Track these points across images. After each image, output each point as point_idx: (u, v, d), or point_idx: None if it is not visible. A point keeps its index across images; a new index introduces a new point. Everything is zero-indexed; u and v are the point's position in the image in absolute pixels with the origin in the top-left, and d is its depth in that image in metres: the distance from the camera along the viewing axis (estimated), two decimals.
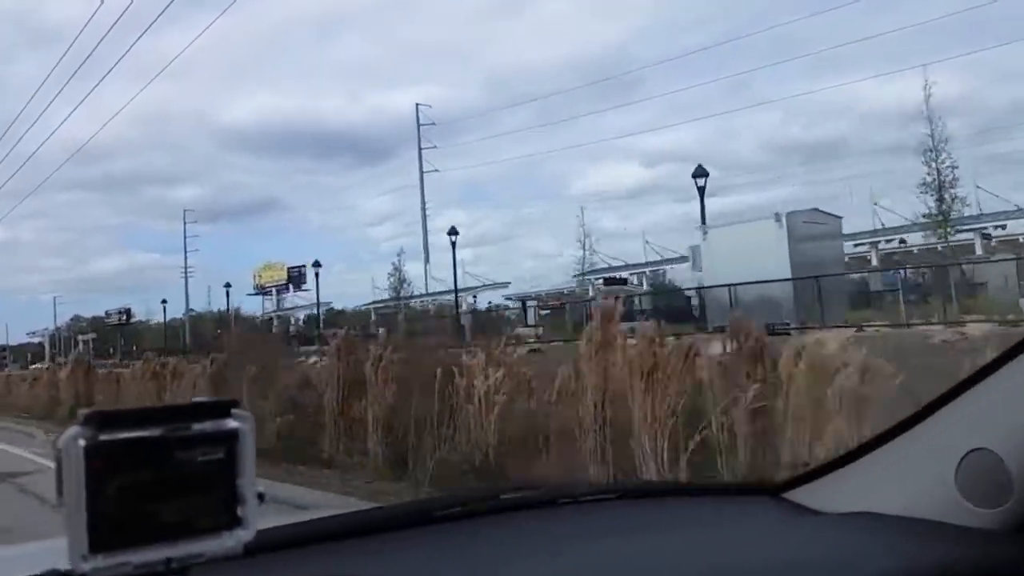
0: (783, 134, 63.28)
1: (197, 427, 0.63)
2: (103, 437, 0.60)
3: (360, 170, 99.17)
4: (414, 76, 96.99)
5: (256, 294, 65.74)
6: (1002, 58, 56.45)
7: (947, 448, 1.18)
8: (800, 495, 1.40)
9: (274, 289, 64.94)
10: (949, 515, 1.15)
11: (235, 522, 0.64)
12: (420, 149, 55.44)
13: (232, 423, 0.65)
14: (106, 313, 71.97)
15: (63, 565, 0.62)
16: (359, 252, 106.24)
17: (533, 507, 1.47)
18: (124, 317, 70.41)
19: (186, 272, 69.28)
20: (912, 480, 1.23)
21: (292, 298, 65.10)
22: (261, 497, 0.65)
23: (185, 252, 69.15)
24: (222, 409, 0.65)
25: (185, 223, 68.39)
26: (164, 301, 66.34)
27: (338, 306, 66.40)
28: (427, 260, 54.47)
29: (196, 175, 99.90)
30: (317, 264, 50.11)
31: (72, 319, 74.57)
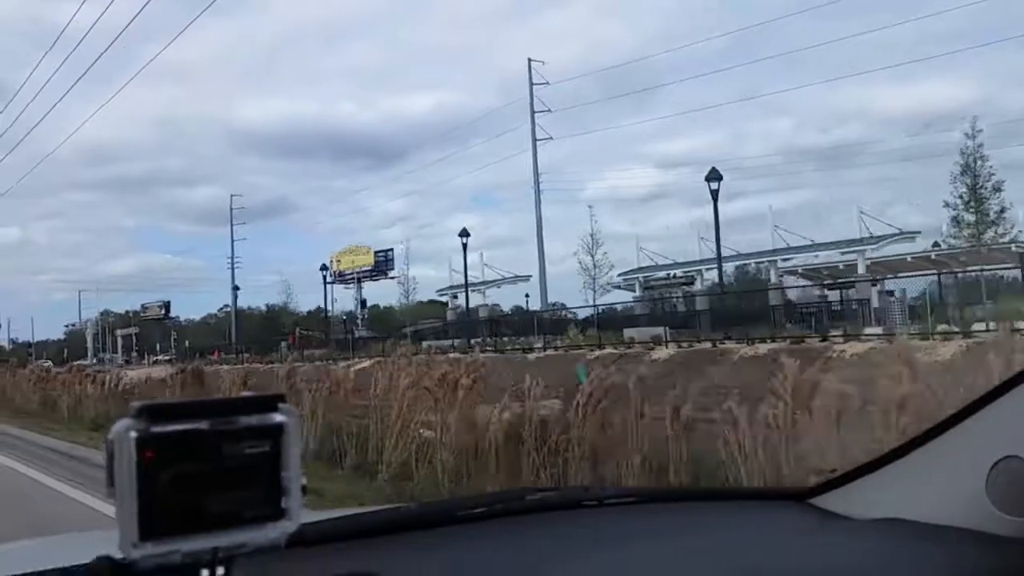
0: (797, 138, 63.01)
1: (244, 420, 0.65)
2: (154, 429, 0.62)
3: (372, 173, 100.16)
4: (426, 80, 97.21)
5: (333, 282, 58.32)
6: None
7: (977, 455, 1.17)
8: (828, 501, 1.40)
9: (356, 277, 57.82)
10: (979, 523, 1.14)
11: (279, 514, 0.66)
12: (532, 107, 46.20)
13: (278, 417, 0.66)
14: (142, 307, 68.90)
15: (114, 552, 0.63)
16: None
17: (558, 509, 1.48)
18: (164, 311, 66.69)
19: (232, 264, 64.55)
20: (942, 487, 1.23)
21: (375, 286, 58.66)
22: (304, 490, 0.67)
23: (232, 240, 64.25)
24: (269, 404, 0.66)
25: (232, 210, 64.15)
26: (236, 287, 61.14)
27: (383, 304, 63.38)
28: (541, 238, 45.52)
29: (211, 177, 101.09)
30: (465, 234, 39.43)
31: (102, 313, 72.38)
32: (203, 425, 0.64)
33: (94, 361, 54.16)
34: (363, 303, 57.76)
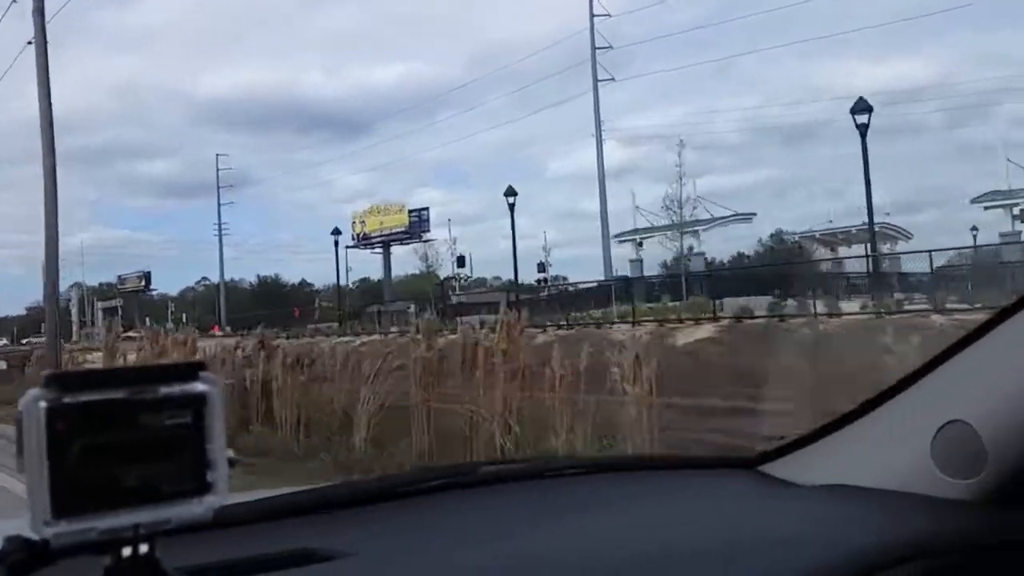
0: (763, 115, 63.68)
1: (164, 390, 0.61)
2: (66, 399, 0.58)
3: (336, 146, 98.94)
4: (396, 51, 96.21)
5: (355, 246, 51.20)
6: None
7: (923, 420, 1.18)
8: (777, 468, 1.41)
9: (382, 242, 50.24)
10: (925, 487, 1.16)
11: (205, 488, 0.62)
12: (594, 52, 41.17)
13: (200, 386, 0.63)
14: (119, 279, 63.02)
15: (26, 533, 0.60)
16: (329, 231, 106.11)
17: (510, 480, 1.47)
18: (143, 282, 61.68)
19: (220, 232, 59.67)
20: (889, 452, 1.24)
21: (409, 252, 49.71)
22: (232, 463, 0.64)
23: (219, 205, 59.61)
24: (190, 372, 0.63)
25: (218, 170, 59.52)
26: (345, 259, 52.40)
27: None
28: (604, 196, 41.14)
29: (170, 149, 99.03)
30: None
31: (72, 287, 65.60)
32: (119, 394, 0.60)
33: (78, 338, 48.76)
34: (461, 260, 46.77)
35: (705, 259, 39.14)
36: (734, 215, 39.60)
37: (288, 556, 0.99)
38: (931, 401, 1.20)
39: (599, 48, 41.96)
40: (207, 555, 0.91)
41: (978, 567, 1.07)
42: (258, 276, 69.09)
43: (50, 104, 13.60)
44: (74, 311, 59.97)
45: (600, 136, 41.64)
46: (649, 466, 1.74)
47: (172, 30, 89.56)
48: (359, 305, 47.46)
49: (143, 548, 0.62)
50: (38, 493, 0.57)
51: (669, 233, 36.85)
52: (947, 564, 1.05)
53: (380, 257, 51.87)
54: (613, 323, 21.18)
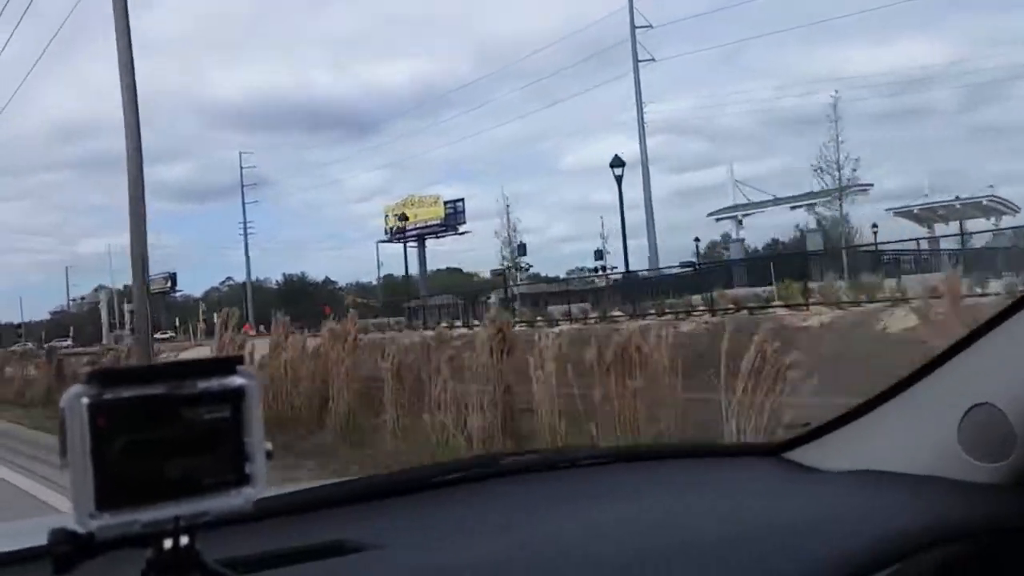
0: (774, 105, 62.98)
1: (202, 384, 0.62)
2: (107, 395, 0.59)
3: (347, 145, 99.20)
4: (404, 49, 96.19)
5: (388, 240, 50.81)
6: None
7: (950, 404, 1.17)
8: (801, 455, 1.40)
9: (417, 235, 48.81)
10: (952, 471, 1.15)
11: (243, 480, 0.63)
12: (633, 32, 39.66)
13: (238, 380, 0.63)
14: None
15: (71, 526, 0.61)
16: (345, 230, 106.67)
17: (532, 471, 1.47)
18: (170, 283, 60.89)
19: (245, 231, 59.28)
20: (915, 436, 1.23)
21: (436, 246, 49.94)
22: (270, 455, 0.65)
23: (243, 203, 59.28)
24: (227, 366, 0.64)
25: (242, 168, 59.19)
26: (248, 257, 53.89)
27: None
28: (648, 181, 38.58)
29: (182, 153, 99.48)
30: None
31: (96, 289, 66.77)
32: (159, 390, 0.61)
33: (107, 341, 47.05)
34: (522, 248, 41.82)
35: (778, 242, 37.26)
36: (854, 186, 33.76)
37: (321, 548, 1.01)
38: (957, 384, 1.19)
39: (639, 27, 40.76)
40: (244, 547, 0.92)
41: (1007, 551, 1.06)
42: (284, 275, 69.15)
43: (134, 87, 12.78)
44: (103, 313, 59.62)
45: (642, 118, 39.80)
46: (672, 454, 1.73)
47: (186, 35, 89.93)
48: (389, 300, 46.09)
49: (184, 540, 0.63)
50: (82, 487, 0.58)
51: (820, 201, 32.88)
52: (976, 548, 1.04)
53: (405, 251, 50.89)
54: (767, 307, 18.66)
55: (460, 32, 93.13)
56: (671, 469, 1.52)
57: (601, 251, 40.84)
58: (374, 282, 55.89)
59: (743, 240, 39.13)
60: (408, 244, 50.23)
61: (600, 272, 39.14)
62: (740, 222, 39.61)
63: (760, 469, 1.44)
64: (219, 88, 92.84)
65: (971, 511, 1.09)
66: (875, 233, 31.82)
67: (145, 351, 13.30)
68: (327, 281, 69.56)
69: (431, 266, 55.51)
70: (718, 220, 40.34)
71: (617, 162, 30.64)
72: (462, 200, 49.27)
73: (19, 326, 61.76)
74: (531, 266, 41.87)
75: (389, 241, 50.57)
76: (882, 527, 1.06)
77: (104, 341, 45.76)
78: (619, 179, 30.49)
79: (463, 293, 39.45)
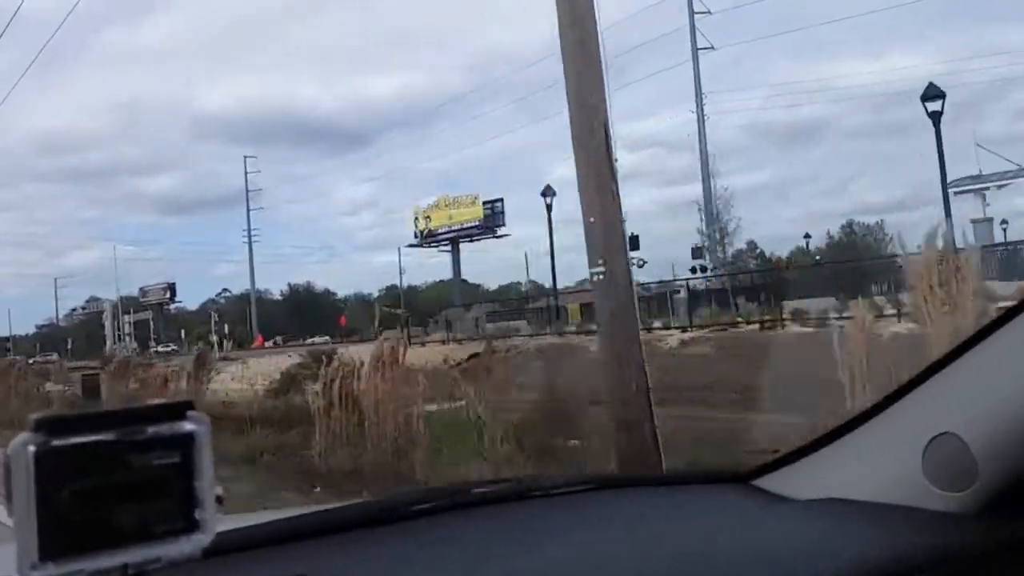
0: (765, 117, 63.36)
1: (152, 430, 0.62)
2: (55, 443, 0.59)
3: (336, 158, 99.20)
4: (392, 63, 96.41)
5: (418, 244, 47.63)
6: None
7: (914, 433, 1.19)
8: (770, 482, 1.41)
9: (451, 239, 45.24)
10: (916, 499, 1.16)
11: (193, 526, 0.63)
12: (692, 18, 39.03)
13: (188, 426, 0.63)
14: (141, 291, 59.06)
15: (12, 575, 0.60)
16: (335, 241, 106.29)
17: (504, 501, 1.46)
18: (169, 294, 57.90)
19: (250, 239, 57.63)
20: (880, 465, 1.24)
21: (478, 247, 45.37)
22: (220, 500, 0.64)
23: (248, 211, 57.87)
24: (177, 411, 0.63)
25: (247, 173, 58.12)
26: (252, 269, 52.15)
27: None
28: (707, 173, 37.74)
29: (170, 165, 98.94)
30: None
31: (89, 300, 64.60)
32: (108, 436, 0.60)
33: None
34: (635, 241, 31.47)
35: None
36: None
37: None
38: (921, 414, 1.20)
39: (698, 13, 39.57)
40: None
41: None
42: (289, 285, 67.74)
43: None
44: (107, 324, 57.09)
45: (701, 108, 37.76)
46: (643, 482, 1.74)
47: (173, 47, 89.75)
48: (416, 310, 43.32)
49: None
50: (26, 536, 0.58)
51: None
52: None
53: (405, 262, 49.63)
54: None
55: (450, 45, 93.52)
56: (642, 497, 1.52)
57: (700, 249, 37.33)
58: (376, 293, 54.89)
59: (991, 220, 27.40)
60: (441, 248, 46.89)
61: (701, 273, 34.68)
62: (984, 197, 28.40)
63: (729, 498, 1.44)
64: (207, 101, 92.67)
65: (934, 540, 1.10)
66: None
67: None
68: (327, 292, 68.90)
69: (423, 279, 55.22)
70: (957, 193, 27.51)
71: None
72: (501, 200, 45.52)
73: (8, 340, 59.62)
74: (644, 262, 33.44)
75: (419, 245, 47.20)
76: (849, 556, 1.06)
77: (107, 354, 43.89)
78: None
79: (506, 303, 36.95)
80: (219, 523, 0.64)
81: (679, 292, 27.07)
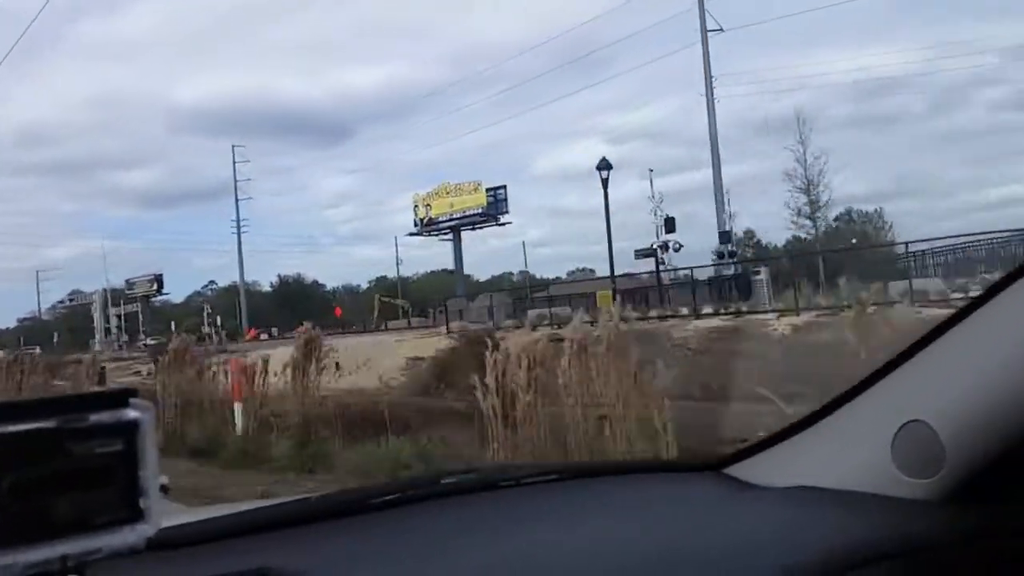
0: (747, 109, 63.27)
1: (94, 418, 0.60)
2: None
3: (316, 150, 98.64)
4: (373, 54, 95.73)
5: (417, 233, 46.02)
6: None
7: (883, 421, 1.19)
8: (741, 470, 1.41)
9: (452, 227, 43.64)
10: (885, 487, 1.16)
11: (137, 516, 0.61)
12: (701, 3, 35.58)
13: (131, 413, 0.61)
14: (127, 283, 57.18)
15: None
16: (315, 233, 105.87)
17: (474, 491, 1.45)
18: (155, 286, 56.00)
19: (239, 229, 55.52)
20: (850, 453, 1.24)
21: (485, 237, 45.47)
22: (165, 489, 0.62)
23: (236, 200, 55.69)
24: (120, 399, 0.61)
25: (235, 162, 55.74)
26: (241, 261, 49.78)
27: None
28: (717, 158, 34.73)
29: (150, 159, 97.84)
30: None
31: (71, 293, 62.10)
32: (47, 424, 0.58)
33: (100, 348, 43.58)
34: (670, 223, 33.67)
35: None
36: None
37: None
38: (890, 401, 1.20)
39: None
40: None
41: (938, 566, 1.07)
42: (279, 276, 66.60)
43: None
44: (96, 316, 55.25)
45: (711, 94, 35.87)
46: (614, 470, 1.73)
47: (152, 39, 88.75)
48: (414, 301, 43.38)
49: None
50: None
51: None
52: (909, 564, 1.05)
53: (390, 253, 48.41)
54: None
55: (432, 37, 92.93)
56: (613, 486, 1.52)
57: (728, 233, 35.15)
58: (365, 284, 54.77)
59: None
60: (443, 237, 45.41)
61: (726, 259, 32.52)
62: None
63: (702, 485, 1.44)
64: (188, 93, 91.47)
65: (903, 528, 1.10)
66: None
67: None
68: (315, 283, 68.15)
69: (414, 270, 54.85)
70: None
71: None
72: (504, 187, 43.83)
73: None
74: (681, 246, 33.25)
75: (418, 234, 45.88)
76: (818, 544, 1.06)
77: (98, 348, 42.73)
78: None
79: (510, 292, 35.83)
80: (173, 516, 0.63)
81: (759, 274, 25.76)
